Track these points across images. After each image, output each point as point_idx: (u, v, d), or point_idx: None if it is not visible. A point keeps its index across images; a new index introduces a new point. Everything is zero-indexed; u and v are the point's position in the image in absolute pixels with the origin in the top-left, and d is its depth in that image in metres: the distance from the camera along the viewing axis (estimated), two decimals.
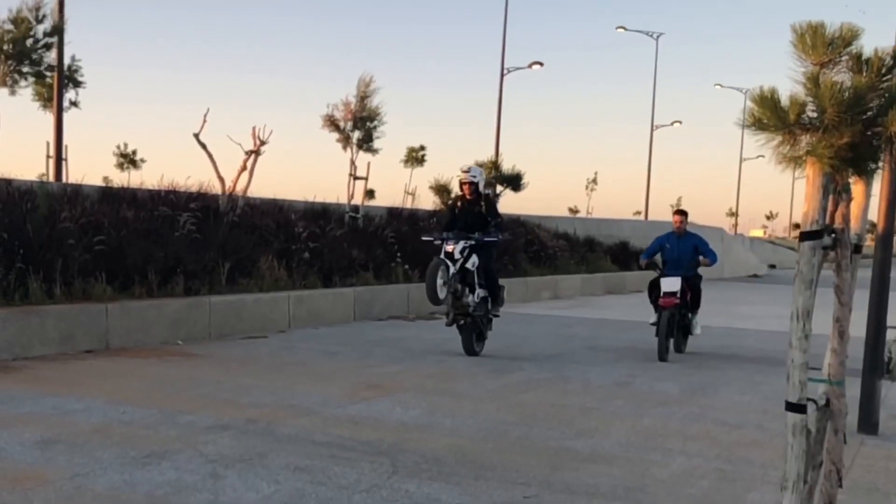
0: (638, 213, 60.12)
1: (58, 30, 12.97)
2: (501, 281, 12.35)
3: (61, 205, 12.59)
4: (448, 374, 10.54)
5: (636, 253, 29.74)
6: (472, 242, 11.40)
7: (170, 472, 5.85)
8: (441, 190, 23.60)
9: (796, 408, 3.64)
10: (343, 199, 20.17)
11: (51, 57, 12.88)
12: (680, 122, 59.78)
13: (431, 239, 11.74)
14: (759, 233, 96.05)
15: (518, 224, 28.04)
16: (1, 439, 6.49)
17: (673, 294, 12.34)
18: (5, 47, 11.84)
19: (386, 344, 12.86)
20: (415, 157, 54.12)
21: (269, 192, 19.21)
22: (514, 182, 24.38)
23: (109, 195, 15.06)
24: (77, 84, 31.38)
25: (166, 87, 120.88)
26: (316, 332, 14.01)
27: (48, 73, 14.64)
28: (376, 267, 17.47)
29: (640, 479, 6.23)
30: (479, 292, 11.61)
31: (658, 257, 13.36)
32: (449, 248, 11.24)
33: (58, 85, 22.23)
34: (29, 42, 12.10)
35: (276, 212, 17.63)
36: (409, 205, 29.00)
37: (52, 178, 22.18)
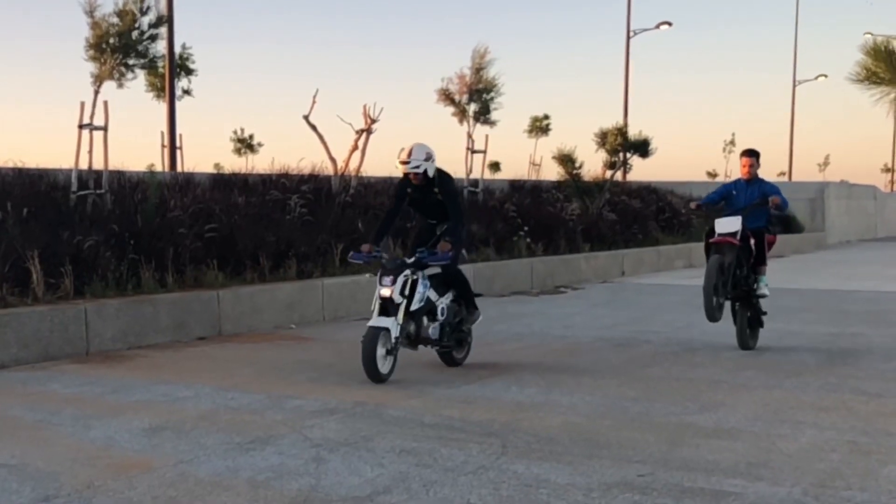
0: (782, 173, 57.27)
1: (163, 20, 13.04)
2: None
3: (171, 194, 12.69)
4: (569, 349, 10.16)
5: (778, 217, 28.52)
6: (415, 276, 8.41)
7: (273, 457, 5.76)
8: (565, 160, 23.03)
9: None
10: (462, 174, 19.88)
11: (157, 48, 12.93)
12: (825, 76, 56.33)
13: (361, 262, 8.92)
14: None
15: (649, 191, 27.37)
16: (111, 428, 6.52)
17: (730, 235, 9.71)
18: (111, 41, 11.95)
19: (506, 320, 12.53)
20: (539, 127, 52.93)
21: (384, 171, 18.97)
22: (642, 149, 23.68)
23: (221, 182, 15.19)
24: (189, 72, 31.68)
25: (277, 66, 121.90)
26: None
27: (158, 65, 14.79)
28: (497, 241, 17.18)
29: (764, 455, 5.84)
30: (441, 305, 8.75)
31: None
32: (385, 291, 8.23)
33: (169, 75, 22.55)
34: (134, 34, 12.18)
35: (390, 190, 17.44)
36: (534, 176, 28.65)
37: (166, 167, 22.62)
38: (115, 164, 13.46)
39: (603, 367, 9.06)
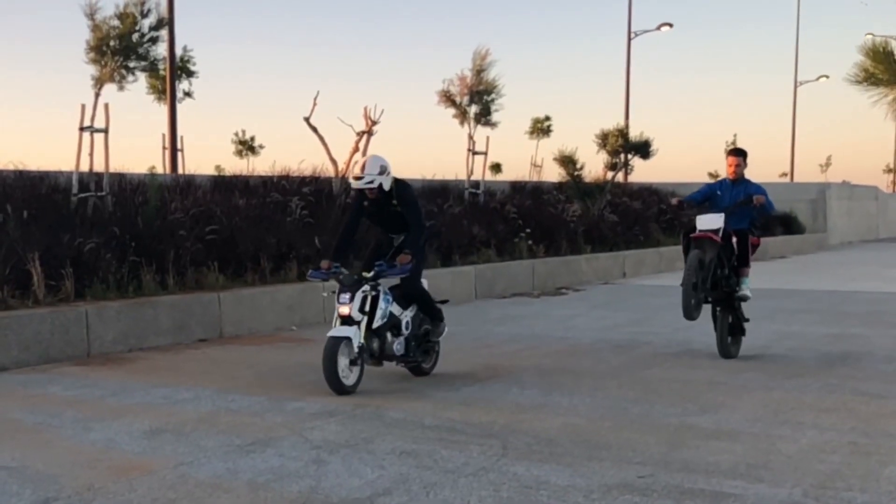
0: (784, 174, 56.99)
1: (164, 22, 13.05)
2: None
3: (172, 196, 12.69)
4: (570, 351, 10.15)
5: (780, 218, 28.26)
6: (375, 292, 8.01)
7: (273, 459, 5.75)
8: (566, 161, 23.02)
9: None
10: (463, 176, 19.89)
11: (158, 50, 12.95)
12: (827, 77, 55.92)
13: (320, 279, 8.43)
14: None
15: (650, 192, 27.34)
16: (111, 430, 6.52)
17: (712, 231, 9.34)
18: (112, 43, 11.96)
19: (507, 322, 12.55)
20: (540, 129, 52.82)
21: None
22: (643, 150, 23.66)
23: (222, 184, 15.20)
24: (190, 74, 31.54)
25: (278, 68, 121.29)
26: None
27: (159, 67, 14.81)
28: (498, 243, 17.19)
29: (764, 456, 5.83)
30: (405, 319, 8.38)
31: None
32: (343, 310, 7.82)
33: (170, 77, 22.52)
34: (135, 37, 12.20)
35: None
36: (535, 178, 28.69)
37: (167, 169, 22.62)
38: (116, 166, 13.54)
39: (603, 368, 9.06)
